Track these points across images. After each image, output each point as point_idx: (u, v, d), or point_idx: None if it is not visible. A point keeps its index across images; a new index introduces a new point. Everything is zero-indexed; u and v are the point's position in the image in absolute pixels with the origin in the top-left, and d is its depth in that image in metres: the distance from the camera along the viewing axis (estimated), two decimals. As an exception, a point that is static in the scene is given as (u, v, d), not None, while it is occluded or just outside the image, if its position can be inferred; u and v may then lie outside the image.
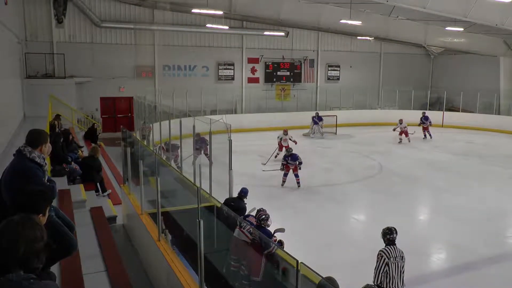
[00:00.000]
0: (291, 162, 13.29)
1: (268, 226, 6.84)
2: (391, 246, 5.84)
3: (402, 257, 5.82)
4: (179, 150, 14.00)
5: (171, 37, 24.17)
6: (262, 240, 5.69)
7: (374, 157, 17.87)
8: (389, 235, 5.91)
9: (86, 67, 21.82)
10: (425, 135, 22.28)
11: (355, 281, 5.55)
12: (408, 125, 21.49)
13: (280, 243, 7.10)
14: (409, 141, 20.96)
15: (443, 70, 31.08)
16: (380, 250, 5.84)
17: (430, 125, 22.39)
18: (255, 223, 6.83)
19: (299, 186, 13.38)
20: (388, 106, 28.83)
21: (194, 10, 21.00)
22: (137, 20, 23.04)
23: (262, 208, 7.18)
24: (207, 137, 11.87)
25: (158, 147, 15.16)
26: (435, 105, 29.02)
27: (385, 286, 5.70)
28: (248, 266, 5.89)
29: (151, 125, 17.17)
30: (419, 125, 22.45)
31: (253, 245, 5.98)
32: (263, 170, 15.19)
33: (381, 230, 6.05)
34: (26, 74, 18.69)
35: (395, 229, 5.98)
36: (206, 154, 13.81)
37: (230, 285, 6.07)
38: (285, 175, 13.49)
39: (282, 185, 13.49)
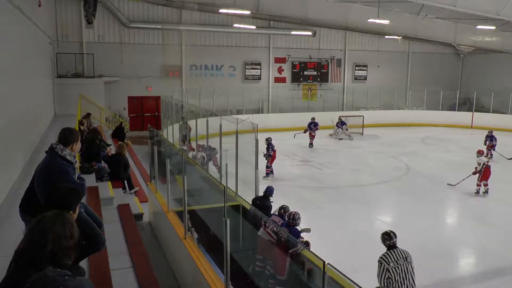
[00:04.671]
0: None
1: (298, 225, 6.84)
2: (392, 250, 5.59)
3: (406, 257, 5.55)
4: (217, 154, 13.85)
5: (198, 37, 24.33)
6: (290, 240, 5.67)
7: (401, 158, 17.62)
8: (388, 241, 5.68)
9: (114, 66, 22.18)
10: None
11: (381, 283, 5.49)
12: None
13: (307, 244, 7.08)
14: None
15: (474, 70, 30.36)
16: (380, 257, 5.60)
17: (317, 130, 20.23)
18: (279, 222, 6.84)
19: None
20: (416, 107, 28.38)
21: (221, 10, 21.09)
22: (164, 20, 23.27)
23: (284, 205, 7.27)
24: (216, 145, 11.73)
25: (185, 146, 15.20)
26: (464, 105, 28.42)
27: None
28: (274, 266, 5.89)
29: (189, 123, 17.18)
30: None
31: (278, 244, 5.97)
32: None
33: (380, 236, 5.82)
34: (57, 73, 19.11)
35: (393, 232, 5.74)
36: (216, 165, 13.52)
37: (256, 285, 6.07)
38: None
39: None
